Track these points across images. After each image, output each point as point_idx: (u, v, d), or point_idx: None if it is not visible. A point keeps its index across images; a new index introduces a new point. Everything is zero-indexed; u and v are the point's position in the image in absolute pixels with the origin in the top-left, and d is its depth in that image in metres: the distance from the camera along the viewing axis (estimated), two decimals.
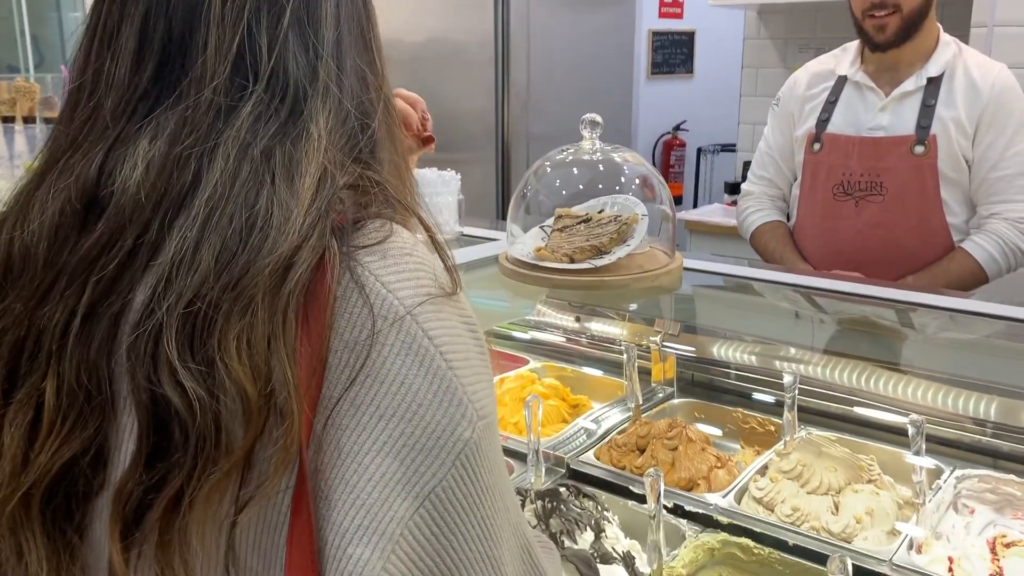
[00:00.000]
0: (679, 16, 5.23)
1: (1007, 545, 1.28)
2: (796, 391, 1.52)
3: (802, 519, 1.36)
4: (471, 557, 0.62)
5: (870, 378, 1.45)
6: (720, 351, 1.64)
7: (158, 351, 0.59)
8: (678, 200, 5.25)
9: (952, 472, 1.42)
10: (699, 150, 5.24)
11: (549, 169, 1.38)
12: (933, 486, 1.39)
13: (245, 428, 0.58)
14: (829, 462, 1.46)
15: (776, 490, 1.43)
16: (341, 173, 0.65)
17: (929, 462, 1.38)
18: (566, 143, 1.38)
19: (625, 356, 1.69)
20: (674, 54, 5.27)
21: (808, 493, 1.41)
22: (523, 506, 1.38)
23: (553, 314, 1.91)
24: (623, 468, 1.54)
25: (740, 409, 1.71)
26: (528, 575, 0.70)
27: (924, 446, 1.32)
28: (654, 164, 5.21)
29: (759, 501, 1.42)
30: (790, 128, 2.16)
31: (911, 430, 1.31)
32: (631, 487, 1.44)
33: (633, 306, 1.64)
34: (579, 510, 1.39)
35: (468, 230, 1.77)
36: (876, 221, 1.98)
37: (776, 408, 1.61)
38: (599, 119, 1.31)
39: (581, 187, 1.33)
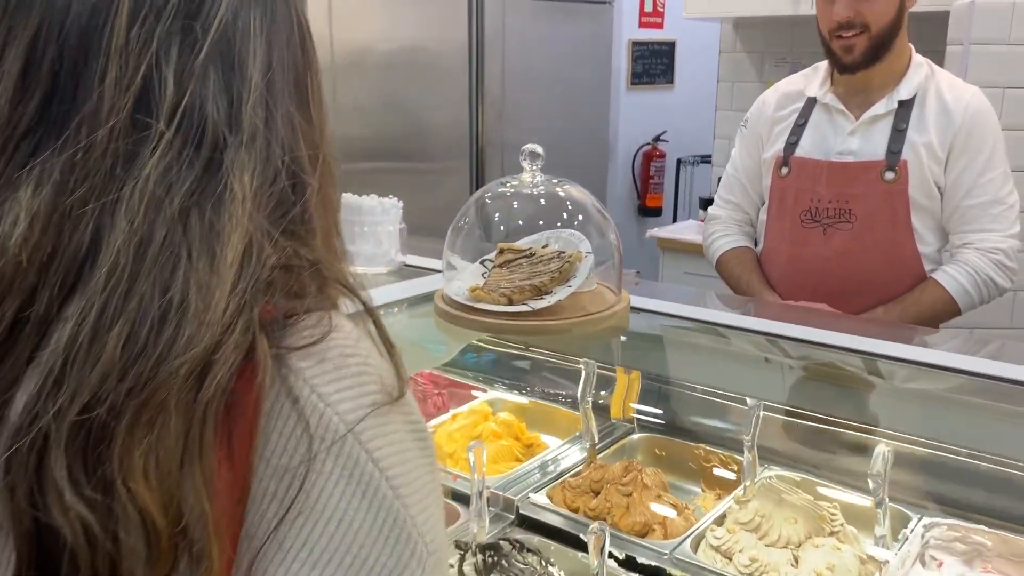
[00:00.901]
0: (660, 26, 5.17)
1: None
2: (757, 429, 1.44)
3: (761, 570, 1.30)
4: None
5: (832, 434, 1.38)
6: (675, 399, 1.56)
7: (43, 468, 0.47)
8: (657, 212, 5.19)
9: (919, 520, 1.36)
10: (679, 161, 5.18)
11: (489, 201, 1.29)
12: (899, 536, 1.33)
13: (149, 571, 0.48)
14: (789, 512, 1.40)
15: (734, 540, 1.36)
16: (271, 247, 0.54)
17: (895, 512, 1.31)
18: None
19: (580, 393, 1.60)
20: (654, 64, 5.22)
21: (767, 546, 1.34)
22: (463, 559, 1.31)
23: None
24: (576, 510, 1.47)
25: (703, 445, 1.63)
26: None
27: (887, 499, 1.25)
28: (633, 175, 5.16)
29: (716, 549, 1.36)
30: (758, 150, 2.08)
31: (871, 484, 1.24)
32: (582, 535, 1.36)
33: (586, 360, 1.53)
34: (521, 565, 1.31)
35: (413, 259, 1.67)
36: (845, 249, 1.90)
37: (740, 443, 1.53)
38: (540, 150, 1.22)
39: (521, 222, 1.25)
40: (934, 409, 1.46)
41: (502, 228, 1.26)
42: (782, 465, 1.53)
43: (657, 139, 5.16)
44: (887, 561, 1.24)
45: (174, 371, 0.48)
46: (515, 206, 1.27)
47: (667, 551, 1.30)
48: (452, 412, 1.76)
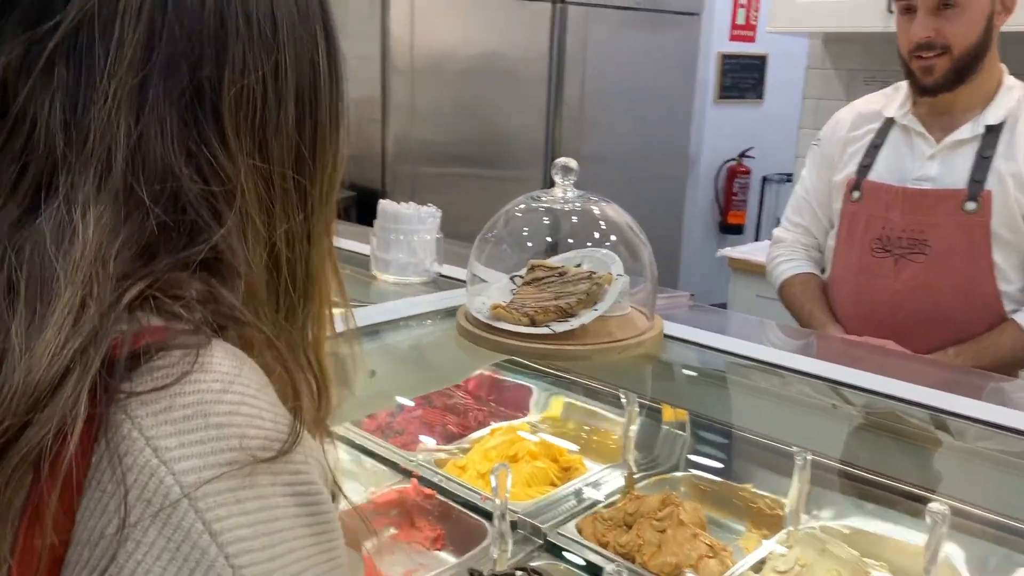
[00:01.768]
0: (751, 40, 5.04)
1: None
2: (801, 477, 1.35)
3: None
4: None
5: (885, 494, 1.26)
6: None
7: None
8: (739, 230, 5.05)
9: None
10: (764, 179, 5.04)
11: (518, 215, 1.23)
12: None
13: None
14: (832, 563, 1.30)
15: None
16: (132, 281, 0.46)
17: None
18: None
19: (625, 418, 1.53)
20: (744, 78, 5.10)
21: None
22: None
23: None
24: (606, 544, 1.40)
25: (749, 486, 1.54)
26: None
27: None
28: (716, 191, 5.04)
29: None
30: (829, 172, 1.96)
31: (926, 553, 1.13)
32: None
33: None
34: None
35: (449, 270, 1.62)
36: (917, 283, 1.77)
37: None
38: (573, 164, 1.16)
39: (549, 239, 1.18)
40: (1004, 475, 1.32)
41: (529, 244, 1.19)
42: (831, 518, 1.43)
43: (743, 155, 5.03)
44: None
45: None
46: (545, 222, 1.21)
47: None
48: (491, 427, 1.71)
